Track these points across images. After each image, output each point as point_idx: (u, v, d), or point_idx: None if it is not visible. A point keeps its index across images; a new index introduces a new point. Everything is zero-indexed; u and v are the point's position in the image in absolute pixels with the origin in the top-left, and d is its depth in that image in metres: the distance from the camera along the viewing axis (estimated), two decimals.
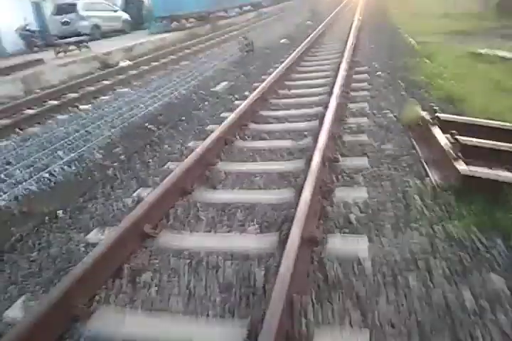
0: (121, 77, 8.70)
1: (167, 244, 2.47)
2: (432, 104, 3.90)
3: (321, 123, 3.82)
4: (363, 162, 3.29)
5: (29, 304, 2.11)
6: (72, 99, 6.94)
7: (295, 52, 8.20)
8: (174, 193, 2.98)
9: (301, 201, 2.41)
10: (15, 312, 2.07)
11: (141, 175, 3.63)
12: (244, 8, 25.07)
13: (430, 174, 3.01)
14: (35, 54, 12.59)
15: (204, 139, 3.86)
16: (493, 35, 9.38)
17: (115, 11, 17.33)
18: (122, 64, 10.26)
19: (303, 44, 9.03)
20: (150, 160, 3.95)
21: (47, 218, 3.05)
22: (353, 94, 5.23)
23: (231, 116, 4.39)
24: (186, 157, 3.42)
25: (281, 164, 3.50)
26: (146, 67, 9.60)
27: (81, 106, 6.50)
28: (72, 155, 4.31)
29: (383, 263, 2.06)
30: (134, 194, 3.21)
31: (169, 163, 3.79)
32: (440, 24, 11.01)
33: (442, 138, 3.26)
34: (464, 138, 3.04)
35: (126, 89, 7.45)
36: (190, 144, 4.19)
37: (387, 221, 2.43)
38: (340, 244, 2.28)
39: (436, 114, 3.73)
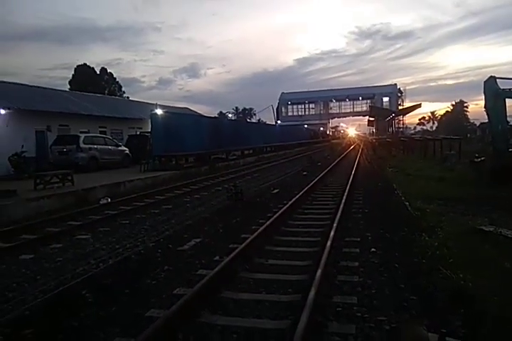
0: (89, 219, 7.91)
1: None
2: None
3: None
4: None
5: None
6: (18, 245, 5.98)
7: (285, 207, 7.62)
8: None
9: None
10: None
11: None
12: (246, 152, 26.29)
13: None
14: (20, 181, 12.22)
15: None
16: (490, 205, 8.95)
17: (117, 146, 17.81)
18: (102, 202, 9.67)
19: (294, 198, 8.53)
20: None
21: None
22: (340, 278, 4.27)
23: (179, 302, 3.41)
24: None
25: None
26: (126, 208, 8.97)
27: (22, 256, 5.47)
28: None
29: None
30: None
31: None
32: (437, 189, 10.75)
33: None
34: None
35: (87, 236, 6.57)
36: None
37: None
38: None
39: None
